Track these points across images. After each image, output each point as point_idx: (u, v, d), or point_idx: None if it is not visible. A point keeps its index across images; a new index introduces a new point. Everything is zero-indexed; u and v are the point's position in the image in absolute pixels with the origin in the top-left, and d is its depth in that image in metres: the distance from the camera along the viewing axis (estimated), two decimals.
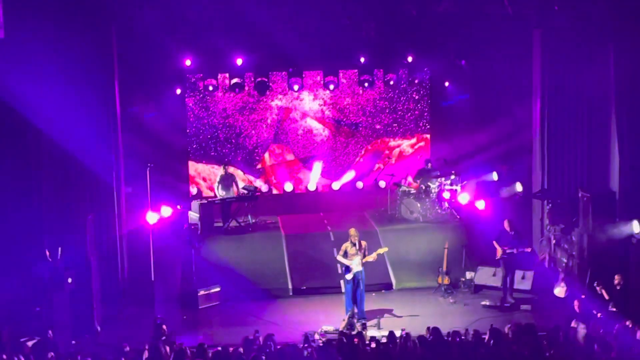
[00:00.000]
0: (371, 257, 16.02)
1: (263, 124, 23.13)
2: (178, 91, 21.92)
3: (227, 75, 22.32)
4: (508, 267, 17.10)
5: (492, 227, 17.82)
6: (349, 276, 16.00)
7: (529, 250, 17.15)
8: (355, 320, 15.57)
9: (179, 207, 20.83)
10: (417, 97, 23.30)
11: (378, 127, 23.39)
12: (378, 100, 23.27)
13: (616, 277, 15.11)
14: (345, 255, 16.09)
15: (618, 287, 15.02)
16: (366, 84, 22.62)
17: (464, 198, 20.48)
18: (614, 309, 14.53)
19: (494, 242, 17.18)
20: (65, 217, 16.79)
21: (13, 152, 16.56)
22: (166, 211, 18.26)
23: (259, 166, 23.27)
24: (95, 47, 17.45)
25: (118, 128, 18.24)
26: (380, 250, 16.41)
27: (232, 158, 23.00)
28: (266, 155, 23.36)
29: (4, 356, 12.61)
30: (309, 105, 23.18)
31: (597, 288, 14.89)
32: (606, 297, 14.74)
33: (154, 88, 21.26)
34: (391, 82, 22.76)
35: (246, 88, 22.56)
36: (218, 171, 22.30)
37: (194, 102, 22.75)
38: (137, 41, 19.05)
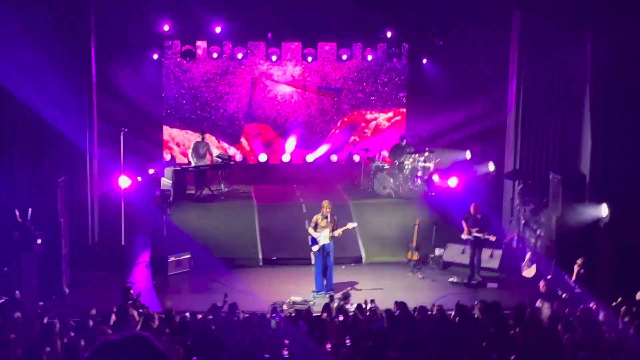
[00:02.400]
0: (337, 232, 16.09)
1: (243, 88, 23.07)
2: (155, 56, 21.78)
3: (205, 42, 22.21)
4: (476, 246, 17.24)
5: (463, 205, 17.95)
6: (315, 248, 16.10)
7: (493, 239, 17.05)
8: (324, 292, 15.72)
9: (151, 171, 20.78)
10: (399, 68, 23.35)
11: (360, 95, 23.41)
12: (359, 70, 23.29)
13: (578, 260, 15.30)
14: (316, 227, 16.15)
15: (581, 271, 15.21)
16: (344, 57, 22.64)
17: (436, 175, 20.59)
18: (579, 291, 14.73)
19: (463, 222, 17.31)
20: (36, 178, 16.66)
21: None
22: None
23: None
24: (72, 9, 17.29)
25: (93, 91, 18.10)
26: (349, 226, 16.42)
27: (211, 123, 22.94)
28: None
29: None
30: (290, 71, 23.14)
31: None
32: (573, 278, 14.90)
33: (131, 52, 21.11)
34: (369, 57, 22.79)
35: (224, 55, 22.46)
36: (192, 137, 22.25)
37: (173, 64, 22.62)
38: (115, 5, 18.87)
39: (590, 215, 16.49)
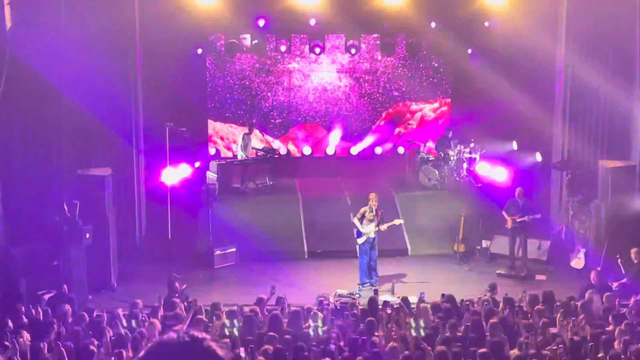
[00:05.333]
0: (383, 227, 16.00)
1: (287, 79, 23.00)
2: (199, 50, 21.83)
3: (249, 35, 22.19)
4: (519, 234, 17.04)
5: (510, 196, 17.75)
6: (360, 240, 16.03)
7: (538, 216, 16.96)
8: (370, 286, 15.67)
9: (197, 164, 20.87)
10: (444, 58, 23.15)
11: (405, 83, 23.20)
12: (405, 58, 23.09)
13: (632, 251, 15.05)
14: (362, 219, 16.08)
15: (635, 261, 14.97)
16: (387, 50, 22.44)
17: (482, 167, 20.39)
18: (628, 282, 14.49)
19: (503, 212, 17.14)
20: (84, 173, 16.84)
21: (33, 109, 16.58)
22: (185, 170, 18.29)
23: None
24: (117, 5, 17.39)
25: (138, 86, 18.23)
26: (396, 222, 16.34)
27: (258, 115, 22.91)
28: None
29: (22, 307, 12.75)
30: (339, 59, 23.02)
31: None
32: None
33: (176, 47, 21.16)
34: (413, 49, 22.54)
35: (268, 47, 22.39)
36: (236, 131, 22.29)
37: (218, 58, 22.63)
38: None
39: None
